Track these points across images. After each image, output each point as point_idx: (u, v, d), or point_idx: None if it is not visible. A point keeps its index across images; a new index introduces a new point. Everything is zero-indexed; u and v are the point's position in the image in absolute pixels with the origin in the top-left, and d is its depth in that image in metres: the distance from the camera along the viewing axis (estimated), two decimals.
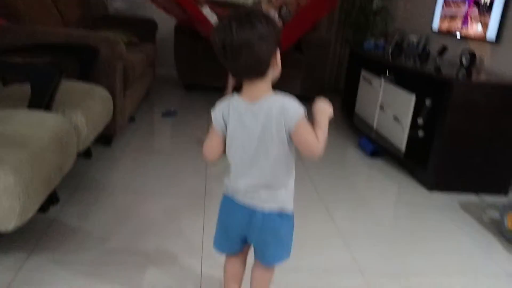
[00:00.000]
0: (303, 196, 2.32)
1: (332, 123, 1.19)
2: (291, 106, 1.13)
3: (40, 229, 1.78)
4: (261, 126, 1.13)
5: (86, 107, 2.05)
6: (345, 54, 4.73)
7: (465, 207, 2.39)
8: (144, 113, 3.54)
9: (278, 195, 1.21)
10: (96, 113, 2.13)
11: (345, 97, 4.07)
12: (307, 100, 4.87)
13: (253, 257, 1.31)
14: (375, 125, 3.31)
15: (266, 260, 1.30)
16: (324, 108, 1.20)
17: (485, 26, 2.89)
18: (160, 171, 2.52)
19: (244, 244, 1.30)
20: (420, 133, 2.78)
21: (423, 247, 1.97)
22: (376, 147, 3.05)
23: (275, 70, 1.16)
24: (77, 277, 1.52)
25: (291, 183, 1.24)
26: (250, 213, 1.20)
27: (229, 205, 1.25)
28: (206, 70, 4.06)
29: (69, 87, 2.16)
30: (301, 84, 4.28)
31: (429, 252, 1.93)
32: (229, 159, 1.22)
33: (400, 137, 2.92)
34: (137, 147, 2.85)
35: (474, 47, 3.02)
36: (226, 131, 1.19)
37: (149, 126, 3.34)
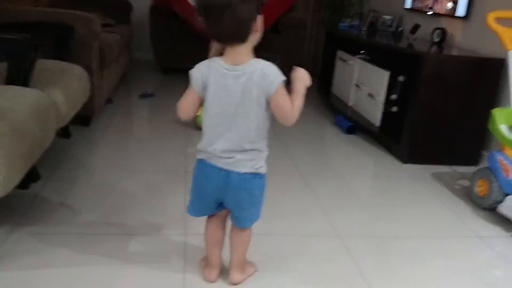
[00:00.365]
0: (282, 170, 2.38)
1: (310, 102, 1.25)
2: (272, 72, 1.18)
3: (23, 205, 1.78)
4: (242, 89, 1.17)
5: (63, 84, 2.05)
6: (322, 37, 4.78)
7: (438, 177, 2.49)
8: (121, 96, 3.52)
9: (253, 158, 1.26)
10: (74, 90, 2.13)
11: (321, 77, 4.13)
12: (284, 81, 4.87)
13: (230, 222, 1.37)
14: (351, 103, 3.38)
15: (241, 223, 1.36)
16: (302, 77, 1.25)
17: (455, 2, 2.97)
18: (140, 150, 2.54)
19: (219, 207, 1.35)
20: (394, 109, 2.86)
21: (398, 213, 2.06)
22: (352, 124, 3.13)
23: (256, 35, 1.20)
24: (61, 248, 1.54)
25: (265, 147, 1.29)
26: (226, 175, 1.25)
27: (203, 169, 1.29)
28: (184, 52, 4.03)
29: (46, 65, 2.14)
30: (279, 67, 4.31)
31: (403, 217, 2.02)
32: (205, 122, 1.25)
33: (375, 114, 3.00)
34: (116, 128, 2.85)
35: (445, 24, 3.11)
36: (204, 92, 1.22)
37: (127, 108, 3.34)
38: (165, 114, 3.17)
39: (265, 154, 1.30)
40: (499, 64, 2.48)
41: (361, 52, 3.30)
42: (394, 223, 1.96)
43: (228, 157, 1.24)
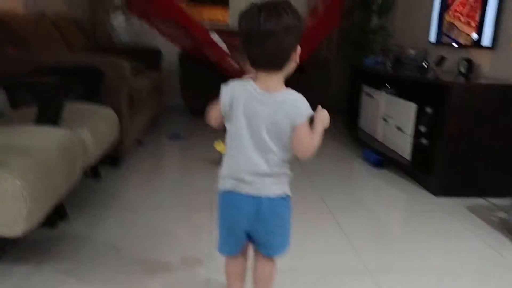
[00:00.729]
0: (310, 206, 2.33)
1: (337, 138, 1.25)
2: (302, 104, 1.18)
3: (49, 243, 1.81)
4: (272, 116, 1.17)
5: (92, 124, 2.12)
6: (346, 74, 4.80)
7: (473, 210, 2.38)
8: (151, 138, 3.61)
9: (281, 182, 1.24)
10: (102, 131, 2.19)
11: (348, 113, 4.11)
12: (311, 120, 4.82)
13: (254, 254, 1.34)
14: (379, 137, 3.33)
15: (272, 251, 1.32)
16: (323, 117, 1.25)
17: (480, 33, 2.94)
18: (168, 188, 2.56)
19: (247, 240, 1.32)
20: (424, 141, 2.79)
21: (431, 246, 1.96)
22: (380, 158, 3.06)
23: (291, 64, 1.21)
24: (85, 283, 1.54)
25: (289, 172, 1.27)
26: (257, 201, 1.22)
27: (231, 199, 1.25)
28: (211, 95, 4.13)
29: (75, 108, 2.24)
30: None
31: (437, 252, 1.92)
32: (232, 143, 1.23)
33: (404, 146, 2.93)
34: (145, 168, 2.89)
35: (472, 55, 3.07)
36: (229, 110, 1.21)
37: (157, 149, 3.40)
38: (194, 154, 3.21)
39: (289, 177, 1.28)
40: None
41: (387, 86, 3.28)
42: (427, 257, 1.87)
43: (258, 183, 1.21)
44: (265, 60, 1.17)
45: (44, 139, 1.64)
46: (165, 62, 4.51)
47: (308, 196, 2.46)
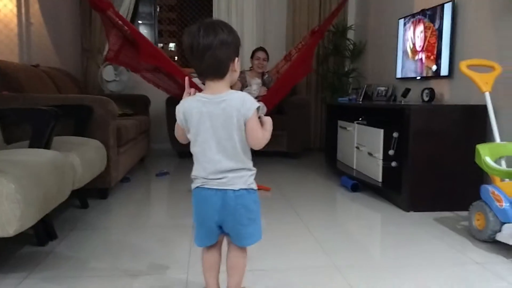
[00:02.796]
0: (292, 230, 2.46)
1: (317, 171, 1.45)
2: (249, 99, 1.37)
3: (39, 257, 1.93)
4: (224, 115, 1.35)
5: (81, 151, 2.30)
6: (324, 115, 5.09)
7: (440, 221, 2.53)
8: (138, 175, 3.79)
9: (243, 176, 1.40)
10: (90, 157, 2.37)
11: (327, 148, 4.33)
12: (293, 156, 5.12)
13: (226, 247, 1.48)
14: (354, 165, 3.53)
15: (243, 241, 1.45)
16: (270, 120, 1.44)
17: (438, 64, 3.24)
18: (153, 213, 2.71)
19: (219, 232, 1.46)
20: (393, 164, 2.98)
21: (401, 249, 2.11)
22: (356, 182, 3.24)
23: (233, 74, 1.41)
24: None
25: (252, 166, 1.44)
26: (223, 194, 1.38)
27: (201, 194, 1.41)
28: None
29: (65, 139, 2.43)
30: (287, 143, 4.58)
31: (406, 253, 2.06)
32: (194, 149, 1.40)
33: (376, 170, 3.13)
34: (131, 199, 3.03)
35: (433, 84, 3.35)
36: (186, 123, 1.39)
37: (144, 184, 3.55)
38: (178, 187, 3.37)
39: (253, 172, 1.44)
40: (484, 109, 2.63)
41: (360, 119, 3.53)
42: (395, 257, 2.02)
43: (221, 178, 1.37)
44: (207, 71, 1.37)
45: (37, 156, 1.81)
46: (153, 108, 4.77)
47: (286, 216, 2.61)
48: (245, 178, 1.40)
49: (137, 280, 1.72)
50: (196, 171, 1.42)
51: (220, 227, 1.44)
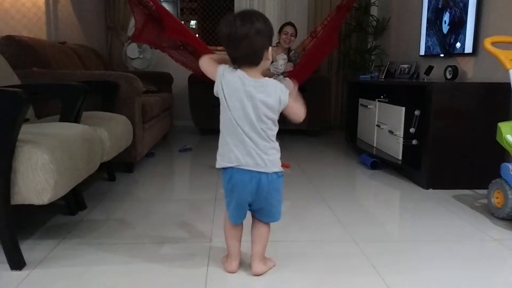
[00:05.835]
0: (309, 201, 2.54)
1: (338, 149, 1.53)
2: (283, 86, 1.46)
3: (70, 226, 2.05)
4: (264, 97, 1.42)
5: (109, 126, 2.38)
6: (346, 93, 5.07)
7: (458, 198, 2.55)
8: (162, 151, 3.90)
9: (274, 158, 1.48)
10: (117, 132, 2.46)
11: (347, 126, 4.35)
12: (314, 135, 5.16)
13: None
14: (374, 143, 3.55)
15: (271, 218, 1.56)
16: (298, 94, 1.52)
17: (462, 42, 3.20)
18: (178, 186, 2.83)
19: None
20: (414, 142, 2.99)
21: (419, 225, 2.15)
22: (375, 160, 3.27)
23: (266, 62, 1.47)
24: (103, 253, 1.76)
25: (277, 145, 1.51)
26: (257, 177, 1.45)
27: (235, 176, 1.47)
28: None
29: (94, 114, 2.52)
30: (307, 121, 4.59)
31: (426, 231, 2.09)
32: (227, 126, 1.46)
33: (396, 148, 3.14)
34: (157, 173, 3.14)
35: (457, 62, 3.31)
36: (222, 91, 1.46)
37: (168, 159, 3.66)
38: (201, 162, 3.47)
39: (279, 154, 1.51)
40: (507, 87, 2.60)
41: (381, 97, 3.53)
42: (413, 231, 2.07)
43: (256, 159, 1.44)
44: (243, 58, 1.44)
45: (68, 129, 1.90)
46: (176, 86, 4.84)
47: (305, 191, 2.67)
48: (275, 161, 1.48)
49: (163, 247, 1.82)
50: (228, 151, 1.46)
51: (250, 204, 1.52)
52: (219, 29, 1.43)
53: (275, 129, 1.48)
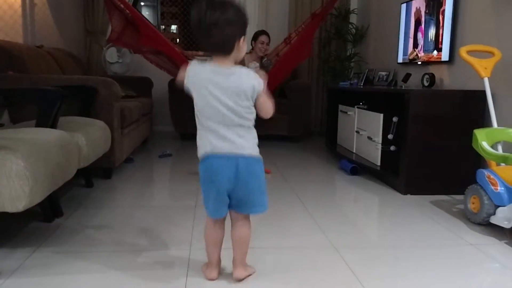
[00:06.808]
0: (289, 205, 2.54)
1: (318, 155, 1.52)
2: (257, 76, 1.43)
3: (45, 233, 2.00)
4: (235, 85, 1.39)
5: (86, 131, 2.35)
6: (325, 100, 5.10)
7: (436, 204, 2.59)
8: (142, 156, 3.85)
9: (251, 142, 1.46)
10: (95, 137, 2.42)
11: (328, 133, 4.38)
12: (294, 140, 5.17)
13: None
14: (354, 149, 3.58)
15: (253, 208, 1.51)
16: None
17: (439, 50, 3.26)
18: (157, 193, 2.78)
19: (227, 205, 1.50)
20: (392, 148, 3.03)
21: (396, 229, 2.17)
22: (355, 166, 3.30)
23: (238, 52, 1.44)
24: (80, 262, 1.72)
25: (255, 133, 1.49)
26: (235, 161, 1.42)
27: (212, 163, 1.44)
28: None
29: (71, 119, 2.48)
30: (288, 127, 4.63)
31: (401, 233, 2.12)
32: (203, 116, 1.43)
33: (375, 154, 3.18)
34: (135, 179, 3.10)
35: (434, 70, 3.37)
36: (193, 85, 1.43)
37: (147, 165, 3.61)
38: (181, 168, 3.44)
39: (256, 139, 1.48)
40: (482, 95, 2.66)
41: (360, 103, 3.57)
42: (392, 236, 2.08)
43: (233, 144, 1.41)
44: (212, 47, 1.41)
45: (44, 135, 1.86)
46: (156, 90, 4.81)
47: (287, 197, 2.67)
48: (252, 145, 1.45)
49: (140, 256, 1.79)
50: (205, 139, 1.44)
51: (229, 197, 1.47)
52: (191, 15, 1.38)
53: (251, 116, 1.45)
